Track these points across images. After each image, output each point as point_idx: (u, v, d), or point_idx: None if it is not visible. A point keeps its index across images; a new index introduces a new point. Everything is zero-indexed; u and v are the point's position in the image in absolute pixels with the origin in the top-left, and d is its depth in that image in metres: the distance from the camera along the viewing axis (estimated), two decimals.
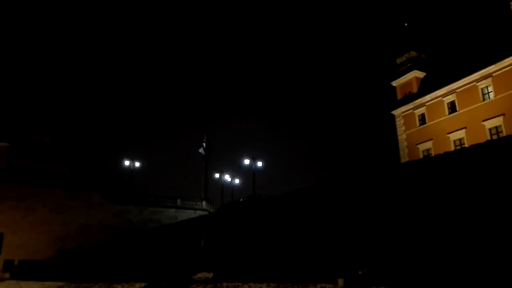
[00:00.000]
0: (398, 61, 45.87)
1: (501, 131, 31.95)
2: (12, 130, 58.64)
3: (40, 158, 57.45)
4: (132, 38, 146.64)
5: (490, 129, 32.95)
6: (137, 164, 50.20)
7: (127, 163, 49.40)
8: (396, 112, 43.16)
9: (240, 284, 11.83)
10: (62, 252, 34.72)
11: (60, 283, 25.19)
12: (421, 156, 37.97)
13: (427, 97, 39.40)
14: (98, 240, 41.77)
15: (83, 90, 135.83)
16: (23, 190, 43.62)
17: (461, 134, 35.22)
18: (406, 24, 47.31)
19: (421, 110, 40.10)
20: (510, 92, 31.99)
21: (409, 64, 44.13)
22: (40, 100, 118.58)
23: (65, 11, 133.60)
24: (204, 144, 58.40)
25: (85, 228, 45.49)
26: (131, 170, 49.62)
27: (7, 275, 38.31)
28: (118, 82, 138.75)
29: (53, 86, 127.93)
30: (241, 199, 44.49)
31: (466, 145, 32.07)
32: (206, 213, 49.79)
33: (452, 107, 36.90)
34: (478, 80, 34.67)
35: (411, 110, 41.21)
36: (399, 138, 42.19)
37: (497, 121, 32.52)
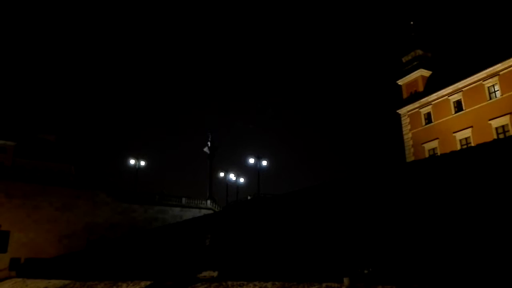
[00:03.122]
0: (404, 59, 45.61)
1: (508, 130, 31.71)
2: (18, 129, 59.17)
3: (46, 156, 57.91)
4: (137, 38, 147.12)
5: (496, 128, 32.71)
6: (142, 163, 50.43)
7: (132, 162, 49.65)
8: (402, 111, 42.94)
9: (245, 282, 11.82)
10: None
11: (66, 281, 25.32)
12: (426, 155, 37.77)
13: (433, 96, 39.16)
14: (104, 238, 41.95)
15: (89, 90, 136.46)
16: (29, 188, 43.86)
17: (467, 133, 34.98)
18: (412, 23, 47.05)
19: (427, 109, 39.87)
20: None
21: (415, 63, 43.87)
22: (46, 99, 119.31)
23: (70, 12, 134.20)
24: (208, 143, 58.44)
25: (90, 226, 45.71)
26: (136, 169, 49.85)
27: (13, 273, 38.60)
28: (124, 81, 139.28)
29: (59, 86, 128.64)
30: (249, 197, 44.46)
31: (472, 144, 31.87)
32: (211, 212, 49.87)
33: (458, 106, 36.66)
34: (484, 79, 34.42)
35: (417, 109, 40.99)
36: (405, 137, 41.98)
37: (504, 120, 32.27)
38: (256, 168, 40.92)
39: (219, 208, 53.49)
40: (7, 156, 53.32)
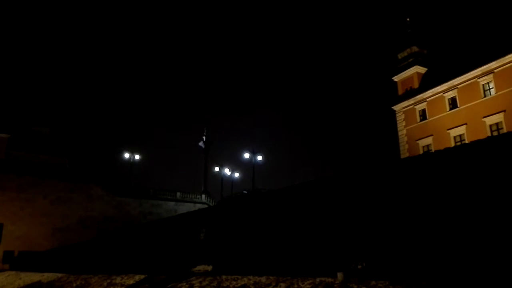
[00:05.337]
0: (400, 56, 45.71)
1: (502, 128, 31.95)
2: (12, 122, 58.64)
3: (40, 149, 57.53)
4: (133, 32, 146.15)
5: (490, 126, 32.95)
6: (137, 156, 50.31)
7: (127, 155, 49.50)
8: (397, 107, 43.11)
9: (239, 277, 11.86)
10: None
11: (60, 274, 25.27)
12: (421, 151, 38.01)
13: (428, 93, 39.34)
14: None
15: (84, 83, 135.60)
16: (23, 181, 43.66)
17: (461, 130, 35.21)
18: (408, 19, 47.11)
19: (422, 105, 40.04)
20: (511, 88, 31.95)
21: (410, 60, 43.99)
22: (40, 92, 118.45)
23: (64, 6, 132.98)
24: (204, 137, 58.38)
25: (84, 220, 45.61)
26: (131, 162, 49.72)
27: (6, 266, 38.51)
28: (119, 74, 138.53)
29: (54, 78, 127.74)
30: (245, 191, 44.51)
31: (467, 141, 32.11)
32: (205, 206, 49.90)
33: (453, 103, 36.85)
34: (479, 76, 34.59)
35: (412, 106, 41.16)
36: (400, 133, 42.17)
37: (498, 118, 32.50)
38: (251, 163, 40.94)
39: (213, 202, 53.53)
40: (0, 148, 52.91)
